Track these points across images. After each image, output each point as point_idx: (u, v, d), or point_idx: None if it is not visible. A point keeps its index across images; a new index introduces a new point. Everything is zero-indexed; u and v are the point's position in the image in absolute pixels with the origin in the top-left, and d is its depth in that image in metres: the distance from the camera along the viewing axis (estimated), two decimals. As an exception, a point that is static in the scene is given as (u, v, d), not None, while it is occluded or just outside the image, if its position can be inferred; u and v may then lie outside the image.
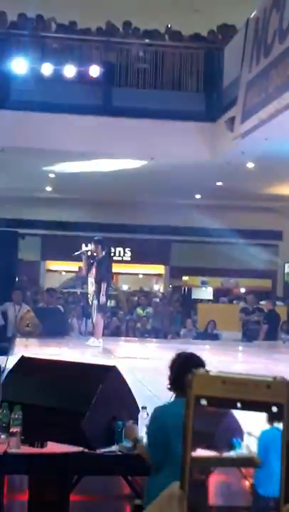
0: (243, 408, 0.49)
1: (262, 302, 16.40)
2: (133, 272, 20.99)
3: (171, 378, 3.74)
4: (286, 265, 20.03)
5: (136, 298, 17.77)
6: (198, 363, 3.63)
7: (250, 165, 14.00)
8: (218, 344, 14.46)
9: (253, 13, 12.20)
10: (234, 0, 14.60)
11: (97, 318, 11.89)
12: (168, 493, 0.50)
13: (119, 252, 20.44)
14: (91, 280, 11.79)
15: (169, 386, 3.77)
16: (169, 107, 13.80)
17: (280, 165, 13.58)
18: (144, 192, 16.93)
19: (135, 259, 20.34)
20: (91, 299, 11.88)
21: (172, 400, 3.70)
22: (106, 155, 14.18)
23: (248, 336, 15.36)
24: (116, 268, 20.22)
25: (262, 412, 0.49)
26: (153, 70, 14.49)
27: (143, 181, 15.77)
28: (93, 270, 11.74)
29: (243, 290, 19.33)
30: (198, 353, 3.78)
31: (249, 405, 0.49)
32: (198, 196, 17.78)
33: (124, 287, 20.41)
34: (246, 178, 15.10)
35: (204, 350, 12.67)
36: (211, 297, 19.92)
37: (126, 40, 14.91)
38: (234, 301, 17.83)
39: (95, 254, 11.91)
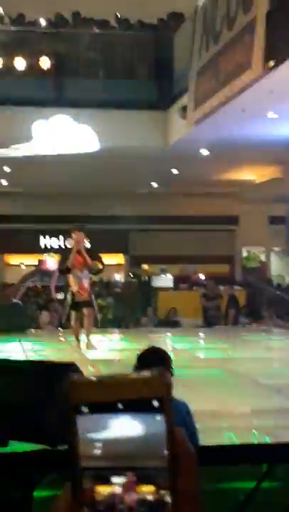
0: (124, 409, 0.50)
1: (221, 287, 16.55)
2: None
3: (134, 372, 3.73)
4: (243, 250, 20.23)
5: (96, 288, 17.74)
6: (163, 356, 3.64)
7: (204, 152, 14.07)
8: (180, 331, 14.56)
9: (201, 1, 12.22)
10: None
11: (93, 314, 10.84)
12: (61, 500, 0.50)
13: (78, 243, 20.35)
14: (78, 273, 10.60)
15: None
16: (120, 96, 13.78)
17: (233, 150, 13.68)
18: (100, 182, 16.89)
19: (93, 249, 20.26)
20: (75, 290, 10.54)
21: None
22: (60, 146, 14.09)
23: (209, 321, 15.50)
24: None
25: (144, 411, 0.50)
26: (103, 60, 14.44)
27: (99, 171, 15.72)
28: (79, 261, 10.59)
29: (202, 276, 19.46)
30: (160, 341, 3.80)
31: (130, 404, 0.50)
32: (154, 184, 17.81)
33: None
34: (201, 165, 15.16)
35: (166, 338, 12.77)
36: (171, 285, 20.01)
37: (75, 31, 14.81)
38: (194, 288, 17.95)
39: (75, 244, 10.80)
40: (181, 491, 0.56)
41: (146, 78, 14.51)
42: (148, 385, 0.58)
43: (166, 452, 0.56)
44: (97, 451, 0.57)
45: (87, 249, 10.90)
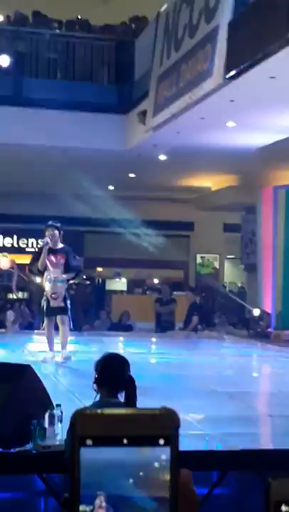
0: (129, 444, 0.49)
1: (181, 293, 16.63)
2: (46, 264, 20.80)
3: (96, 378, 3.72)
4: (197, 256, 20.36)
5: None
6: (122, 361, 3.66)
7: (162, 157, 14.13)
8: (132, 335, 14.56)
9: (164, 7, 12.28)
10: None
11: (67, 321, 9.70)
12: None
13: (32, 243, 20.25)
14: (51, 275, 9.57)
15: (94, 387, 3.76)
16: (80, 98, 13.73)
17: (191, 157, 13.78)
18: (56, 182, 16.81)
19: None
20: (49, 295, 9.54)
21: (97, 400, 3.71)
22: (15, 146, 13.97)
23: (162, 326, 15.55)
24: (29, 260, 20.04)
25: (149, 447, 0.49)
26: (64, 61, 14.39)
27: (55, 172, 15.64)
28: (52, 262, 9.63)
29: (156, 281, 19.52)
30: (113, 345, 3.81)
31: (135, 440, 0.49)
32: (111, 187, 17.81)
33: (37, 279, 20.22)
34: (158, 170, 15.23)
35: (118, 342, 12.76)
36: (125, 288, 20.03)
37: (36, 30, 14.72)
38: (148, 292, 17.98)
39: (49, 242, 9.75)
40: None
41: (107, 81, 14.50)
42: (156, 422, 0.56)
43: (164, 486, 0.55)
44: (96, 479, 0.56)
45: (62, 250, 9.77)
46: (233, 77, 9.21)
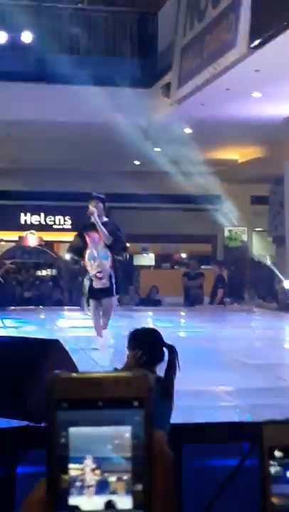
0: (104, 407, 0.50)
1: (208, 267, 16.58)
2: (74, 241, 20.88)
3: (136, 355, 3.55)
4: (226, 229, 20.24)
5: (78, 267, 17.70)
6: (158, 336, 3.63)
7: (188, 130, 14.01)
8: (161, 309, 14.59)
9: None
10: None
11: (112, 305, 8.80)
12: (34, 496, 0.49)
13: (59, 220, 20.30)
14: (93, 252, 8.62)
15: (136, 364, 3.55)
16: (103, 72, 13.63)
17: (217, 130, 13.64)
18: (82, 159, 16.79)
19: (75, 228, 20.20)
20: (92, 274, 8.61)
21: None
22: (40, 123, 13.96)
23: (191, 300, 15.54)
24: (56, 237, 20.13)
25: (124, 409, 0.50)
26: (86, 35, 14.27)
27: (81, 148, 15.62)
28: (94, 238, 8.66)
29: (184, 255, 19.47)
30: (142, 320, 3.80)
31: (110, 403, 0.50)
32: (137, 162, 17.72)
33: (67, 256, 20.33)
34: (184, 144, 15.10)
35: (147, 317, 12.80)
36: (152, 263, 20.02)
37: (58, 5, 14.61)
38: (176, 267, 17.95)
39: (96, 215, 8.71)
40: (157, 492, 0.56)
41: (130, 55, 14.37)
42: (130, 386, 0.58)
43: (138, 449, 0.57)
44: (72, 444, 0.58)
45: (107, 224, 8.76)
46: (257, 47, 9.06)
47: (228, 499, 3.20)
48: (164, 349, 3.57)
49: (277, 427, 0.61)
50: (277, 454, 0.60)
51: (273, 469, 0.60)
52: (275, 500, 0.59)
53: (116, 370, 3.40)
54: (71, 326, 11.27)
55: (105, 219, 8.82)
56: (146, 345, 3.59)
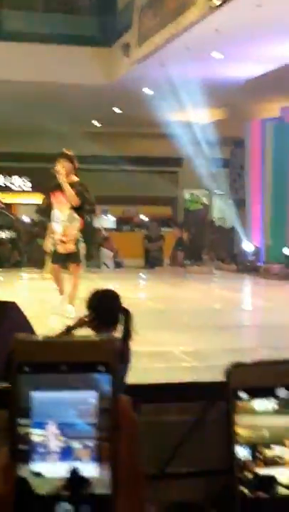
0: (69, 371, 0.49)
1: (169, 229, 16.60)
2: (33, 203, 20.67)
3: (90, 317, 3.57)
4: (185, 192, 20.23)
5: (36, 229, 17.55)
6: (115, 295, 3.60)
7: (148, 91, 13.86)
8: (121, 272, 14.59)
9: None
10: None
11: (79, 270, 8.20)
12: None
13: (18, 181, 20.06)
14: (58, 215, 8.03)
15: (89, 325, 3.59)
16: (61, 31, 13.36)
17: (178, 91, 13.50)
18: (42, 119, 16.52)
19: (35, 189, 20.00)
20: (57, 238, 8.02)
21: None
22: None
23: (151, 262, 15.58)
24: (15, 198, 19.89)
25: (88, 373, 0.49)
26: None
27: (40, 108, 15.35)
28: (60, 198, 8.03)
29: (144, 218, 19.44)
30: (102, 282, 3.76)
31: (75, 367, 0.49)
32: (96, 123, 17.53)
33: (25, 218, 20.13)
34: (145, 105, 14.95)
35: (108, 279, 12.78)
36: (113, 226, 19.96)
37: None
38: (136, 229, 17.94)
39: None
40: (123, 459, 0.56)
41: (89, 13, 14.09)
42: (95, 349, 0.56)
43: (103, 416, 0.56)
44: (34, 409, 0.56)
45: (76, 184, 8.12)
46: (217, 6, 8.95)
47: (188, 452, 3.22)
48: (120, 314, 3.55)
49: (245, 369, 0.62)
50: (243, 395, 0.61)
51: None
52: (240, 430, 0.60)
53: (68, 327, 3.39)
54: (30, 288, 11.20)
55: (75, 179, 8.15)
56: (101, 309, 3.57)
